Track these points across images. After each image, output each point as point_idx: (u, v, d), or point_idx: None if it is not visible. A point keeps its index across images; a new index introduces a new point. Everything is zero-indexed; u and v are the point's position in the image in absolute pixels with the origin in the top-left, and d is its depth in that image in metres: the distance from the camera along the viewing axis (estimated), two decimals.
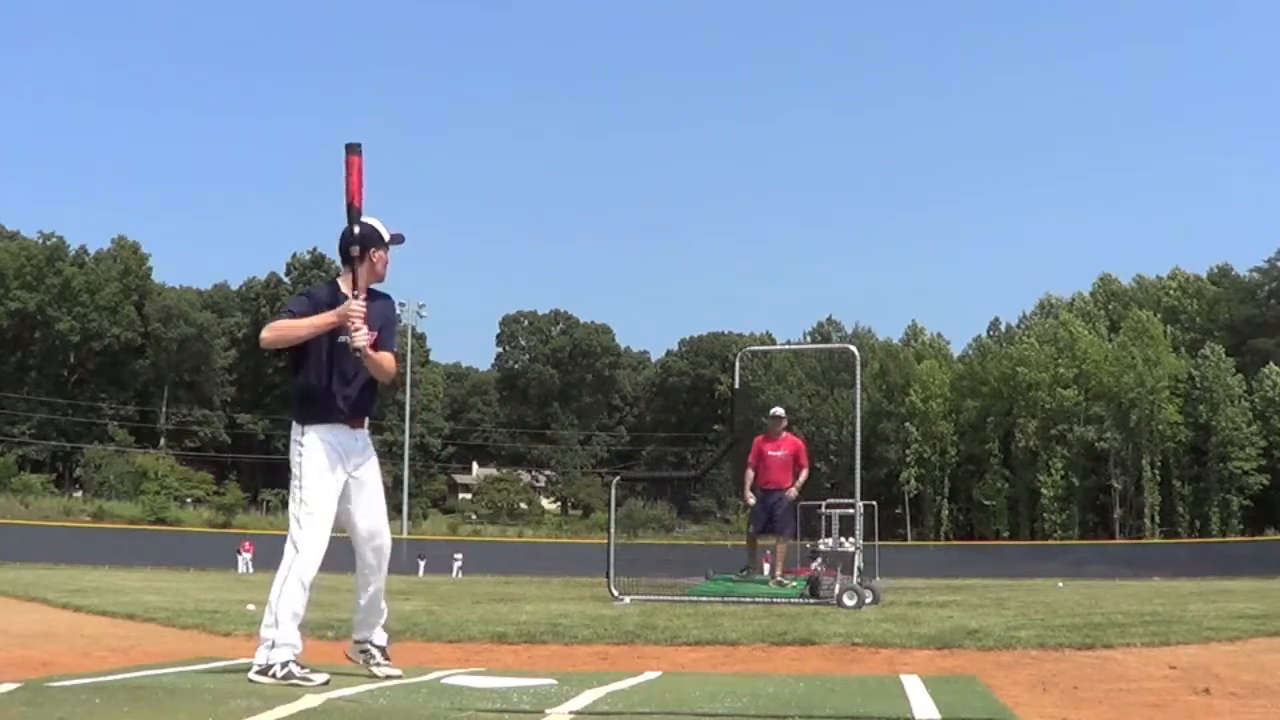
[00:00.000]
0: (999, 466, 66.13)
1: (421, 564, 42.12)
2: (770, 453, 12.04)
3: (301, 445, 4.42)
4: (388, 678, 4.45)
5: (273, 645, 4.18)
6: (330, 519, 4.39)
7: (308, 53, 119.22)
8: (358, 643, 4.65)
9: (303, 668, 4.18)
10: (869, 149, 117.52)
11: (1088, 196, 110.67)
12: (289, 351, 4.55)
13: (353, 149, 4.47)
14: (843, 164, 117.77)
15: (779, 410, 12.67)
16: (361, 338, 4.33)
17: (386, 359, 4.49)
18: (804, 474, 12.12)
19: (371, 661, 4.59)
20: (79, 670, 4.73)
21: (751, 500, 12.19)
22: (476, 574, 38.23)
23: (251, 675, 4.17)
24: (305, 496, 4.35)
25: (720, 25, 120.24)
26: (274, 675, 4.13)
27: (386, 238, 4.52)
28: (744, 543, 13.76)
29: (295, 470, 4.42)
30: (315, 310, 4.42)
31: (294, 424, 4.49)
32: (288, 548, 4.31)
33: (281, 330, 4.46)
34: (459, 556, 44.87)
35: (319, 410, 4.43)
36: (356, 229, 4.45)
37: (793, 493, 11.98)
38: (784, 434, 12.29)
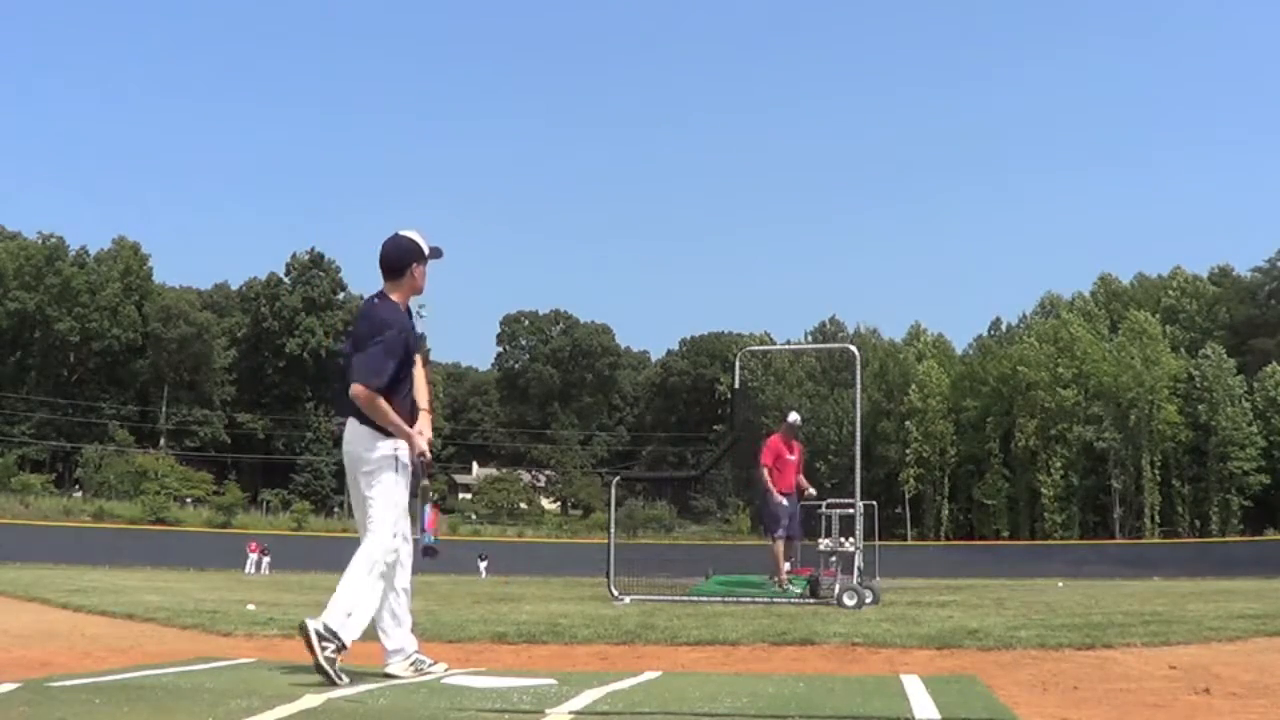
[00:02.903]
0: (999, 466, 66.10)
1: (483, 564, 43.44)
2: (789, 457, 12.12)
3: (397, 459, 4.62)
4: (432, 675, 4.59)
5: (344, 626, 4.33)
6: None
7: (309, 52, 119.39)
8: (408, 657, 4.65)
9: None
10: (870, 149, 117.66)
11: (1088, 195, 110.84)
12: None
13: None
14: (844, 164, 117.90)
15: (797, 417, 12.79)
16: (422, 445, 4.60)
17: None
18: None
19: (425, 666, 4.66)
20: (79, 670, 4.74)
21: (784, 500, 12.15)
22: (499, 574, 38.36)
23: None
24: (396, 512, 4.66)
25: (720, 25, 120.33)
26: (325, 652, 4.17)
27: (426, 252, 4.58)
28: (759, 542, 13.76)
29: (383, 481, 4.58)
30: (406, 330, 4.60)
31: (379, 438, 4.57)
32: (377, 553, 4.55)
33: (381, 406, 4.48)
34: (485, 558, 45.34)
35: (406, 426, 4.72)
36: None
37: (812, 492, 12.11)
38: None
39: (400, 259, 4.53)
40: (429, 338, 79.43)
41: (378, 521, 4.46)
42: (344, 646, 4.22)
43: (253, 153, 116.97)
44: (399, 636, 4.62)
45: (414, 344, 4.55)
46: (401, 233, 4.59)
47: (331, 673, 4.12)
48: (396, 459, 4.51)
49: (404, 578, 4.60)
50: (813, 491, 12.06)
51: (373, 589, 4.39)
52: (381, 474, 4.50)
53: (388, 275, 4.57)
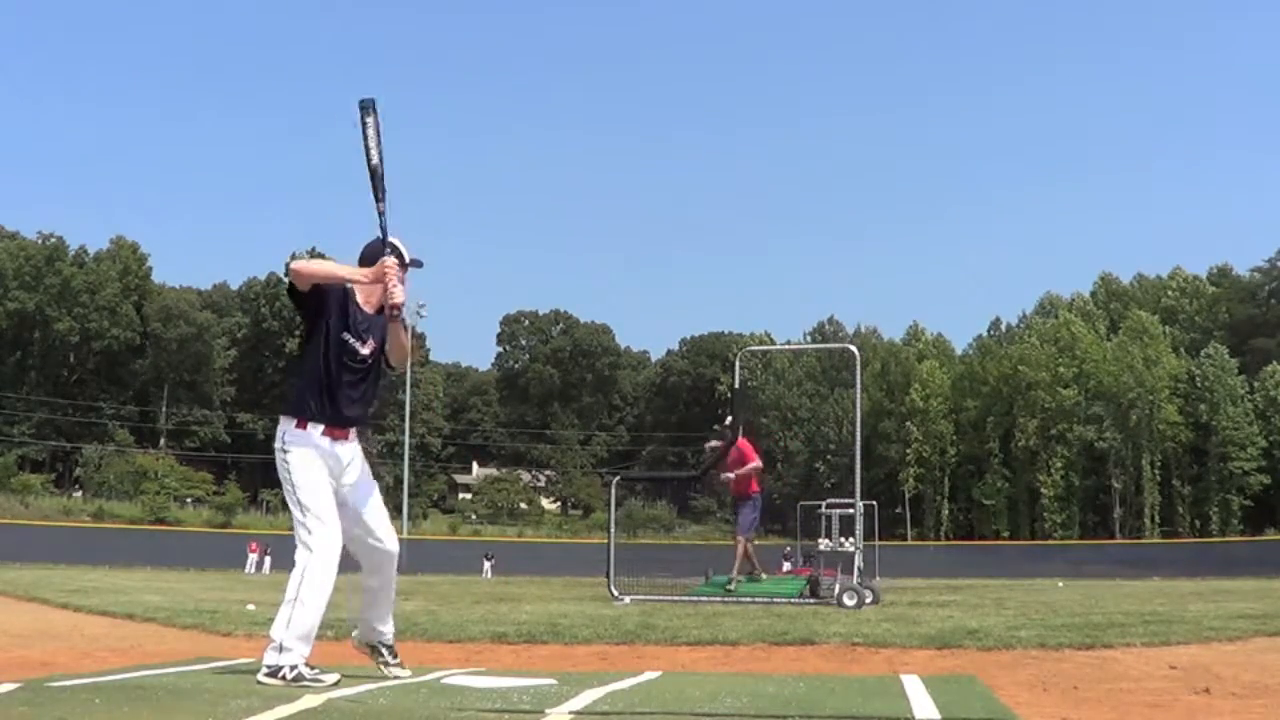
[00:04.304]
0: (999, 466, 66.12)
1: (488, 564, 43.68)
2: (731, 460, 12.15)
3: (286, 450, 4.33)
4: (395, 679, 4.44)
5: (281, 647, 4.12)
6: (336, 516, 4.31)
7: (308, 51, 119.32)
8: (368, 642, 4.63)
9: (312, 669, 4.14)
10: (869, 150, 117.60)
11: (1088, 196, 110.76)
12: (304, 341, 4.51)
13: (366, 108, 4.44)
14: (844, 165, 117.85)
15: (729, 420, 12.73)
16: (400, 294, 4.30)
17: (406, 338, 4.51)
18: (748, 466, 12.24)
19: (379, 660, 4.57)
20: (79, 670, 4.74)
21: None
22: (499, 574, 38.44)
23: (260, 678, 4.11)
24: (303, 499, 4.28)
25: (719, 27, 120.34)
26: (283, 678, 4.07)
27: (407, 260, 4.49)
28: (758, 542, 13.85)
29: (285, 476, 4.33)
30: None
31: (281, 420, 4.39)
32: (300, 551, 4.26)
33: (316, 265, 4.42)
34: (490, 557, 45.54)
35: (313, 409, 4.35)
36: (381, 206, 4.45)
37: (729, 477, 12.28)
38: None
39: (372, 261, 4.45)
40: (429, 338, 79.60)
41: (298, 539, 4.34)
42: (295, 665, 4.14)
43: (253, 152, 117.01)
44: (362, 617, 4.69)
45: (348, 303, 4.39)
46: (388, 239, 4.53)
47: (307, 681, 4.08)
48: (306, 458, 4.35)
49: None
50: (727, 476, 12.21)
51: (300, 605, 4.25)
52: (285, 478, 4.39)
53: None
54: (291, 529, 4.38)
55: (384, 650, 4.59)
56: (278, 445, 4.37)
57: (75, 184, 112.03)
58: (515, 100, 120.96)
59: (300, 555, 4.26)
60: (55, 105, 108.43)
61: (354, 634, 4.71)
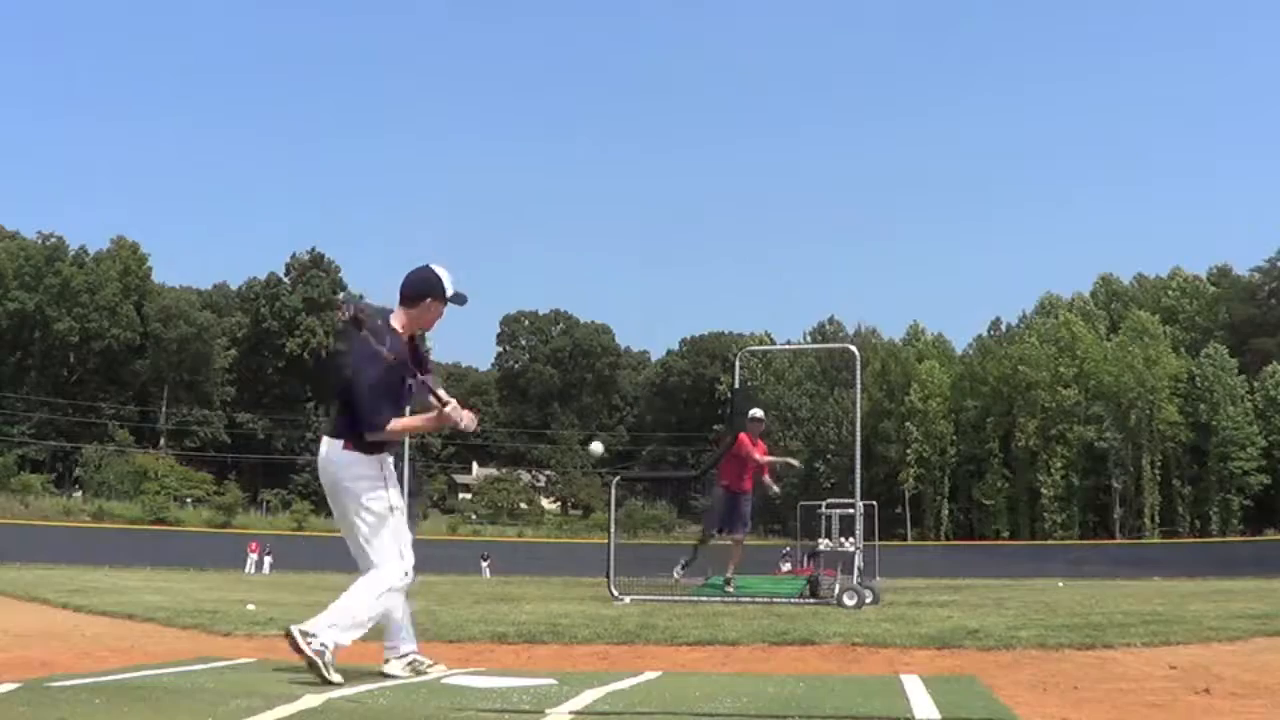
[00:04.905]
0: (999, 466, 66.09)
1: (485, 564, 43.82)
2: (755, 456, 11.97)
3: (370, 474, 4.46)
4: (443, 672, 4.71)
5: (330, 625, 4.25)
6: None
7: (308, 53, 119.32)
8: (404, 657, 4.65)
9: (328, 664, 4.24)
10: (869, 151, 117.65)
11: (1088, 196, 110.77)
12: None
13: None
14: (843, 165, 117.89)
15: (759, 412, 12.52)
16: (470, 421, 4.47)
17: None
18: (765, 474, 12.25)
19: (421, 667, 4.66)
20: (79, 670, 4.74)
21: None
22: (499, 574, 38.45)
23: (294, 630, 4.25)
24: (389, 514, 4.48)
25: (720, 30, 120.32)
26: (312, 646, 4.15)
27: (449, 294, 4.54)
28: (759, 542, 13.73)
29: (375, 492, 4.45)
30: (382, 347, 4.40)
31: (357, 449, 4.44)
32: (387, 563, 4.42)
33: (403, 424, 4.47)
34: (487, 557, 45.60)
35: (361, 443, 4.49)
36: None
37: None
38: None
39: (415, 288, 4.51)
40: (429, 337, 79.56)
41: (382, 552, 4.42)
42: (326, 646, 4.20)
43: (252, 153, 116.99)
44: (398, 636, 4.61)
45: (406, 369, 4.41)
46: (433, 266, 4.57)
47: (321, 665, 4.11)
48: (383, 476, 4.47)
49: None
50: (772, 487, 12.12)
51: (372, 609, 4.36)
52: (364, 497, 4.42)
53: (401, 300, 4.56)
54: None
55: (420, 659, 4.71)
56: (364, 473, 4.48)
57: (75, 184, 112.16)
58: (515, 101, 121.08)
59: (386, 567, 4.46)
60: (55, 105, 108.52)
61: (394, 657, 4.71)
